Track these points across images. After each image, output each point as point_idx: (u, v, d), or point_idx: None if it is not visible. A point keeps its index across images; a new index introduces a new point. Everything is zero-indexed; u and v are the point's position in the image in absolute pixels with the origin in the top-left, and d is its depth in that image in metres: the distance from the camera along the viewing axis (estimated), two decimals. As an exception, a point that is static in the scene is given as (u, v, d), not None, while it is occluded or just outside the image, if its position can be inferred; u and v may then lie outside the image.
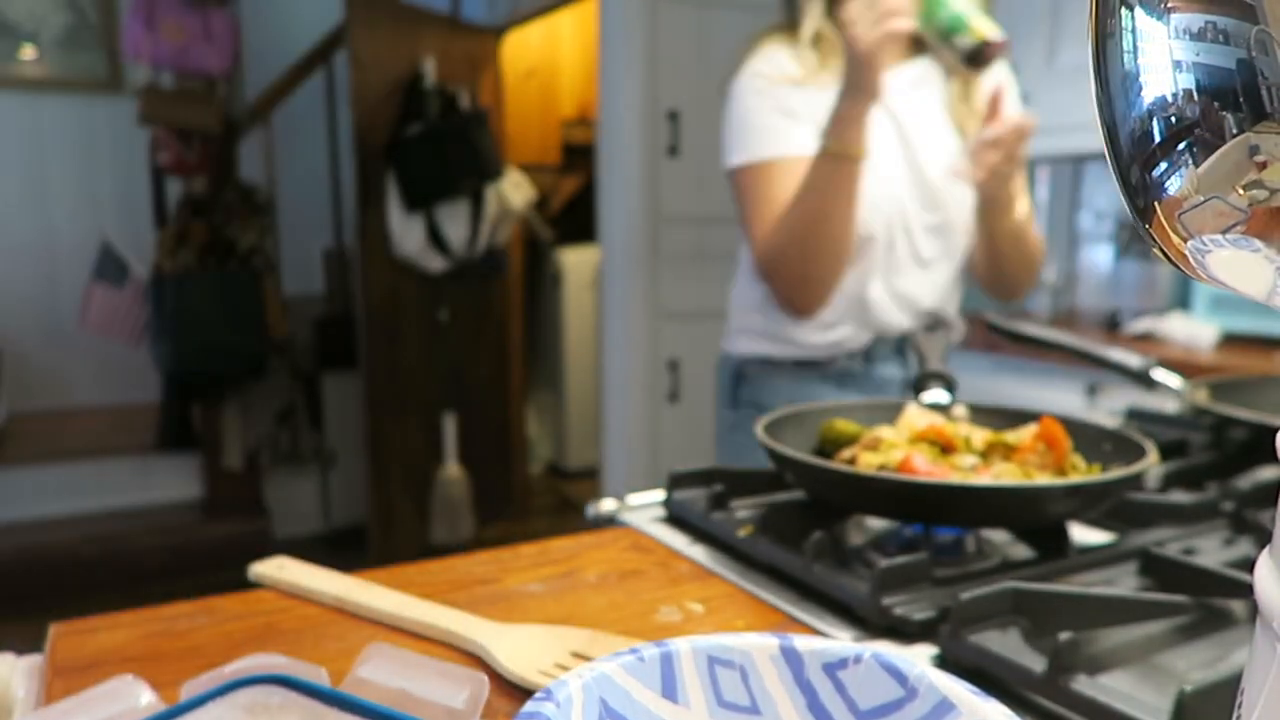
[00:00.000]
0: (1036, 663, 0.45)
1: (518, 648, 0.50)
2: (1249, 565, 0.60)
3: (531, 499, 3.88)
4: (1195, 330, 2.02)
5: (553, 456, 4.23)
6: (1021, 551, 0.65)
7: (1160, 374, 0.96)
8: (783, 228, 1.17)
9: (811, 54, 1.25)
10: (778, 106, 1.23)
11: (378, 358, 3.20)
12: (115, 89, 3.66)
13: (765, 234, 1.20)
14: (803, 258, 1.16)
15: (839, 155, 1.10)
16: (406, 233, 3.07)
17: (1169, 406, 1.04)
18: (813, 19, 1.25)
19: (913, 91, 1.28)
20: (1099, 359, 0.99)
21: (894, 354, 1.31)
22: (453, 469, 3.33)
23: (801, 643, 0.35)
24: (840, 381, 1.29)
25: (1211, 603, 0.56)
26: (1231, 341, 2.01)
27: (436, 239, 3.09)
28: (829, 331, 1.28)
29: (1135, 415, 1.00)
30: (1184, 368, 1.49)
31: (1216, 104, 0.20)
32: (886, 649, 0.35)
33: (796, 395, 1.29)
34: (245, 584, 0.62)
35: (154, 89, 3.09)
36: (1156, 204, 0.22)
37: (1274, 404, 0.94)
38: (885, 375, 1.31)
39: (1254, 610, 0.25)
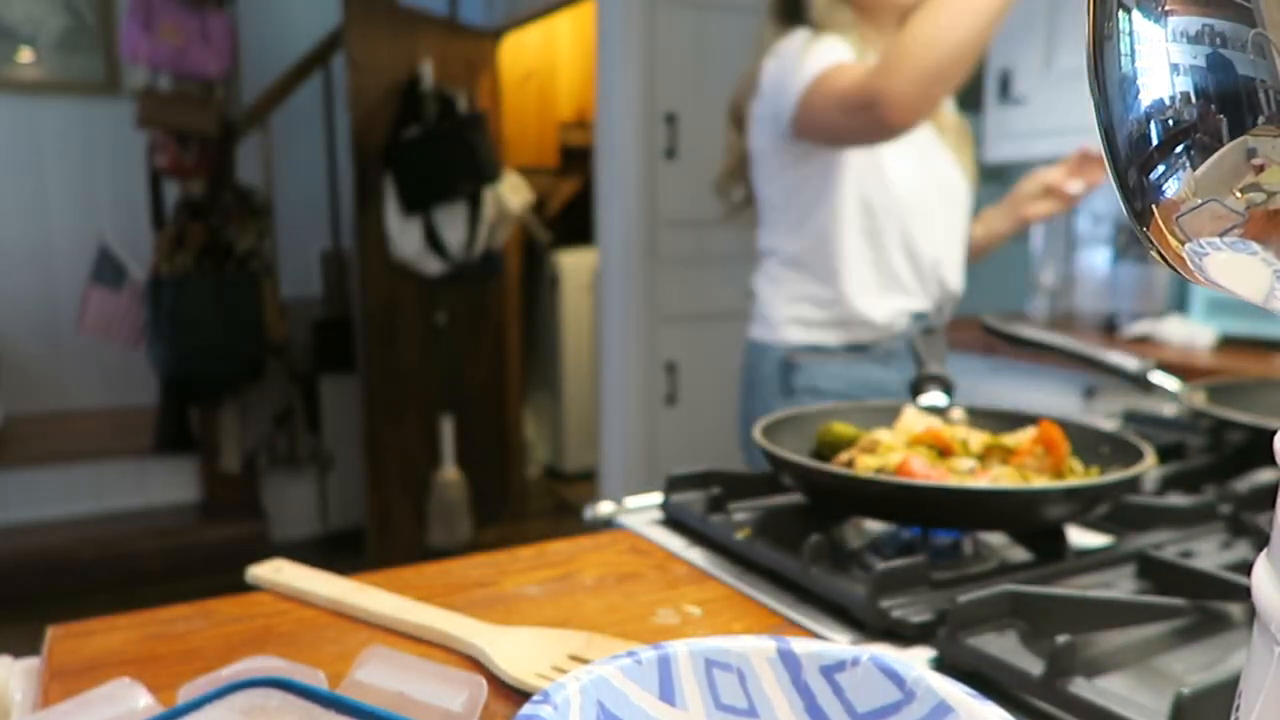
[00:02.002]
0: (1034, 665, 0.45)
1: (515, 650, 0.50)
2: (1246, 568, 0.60)
3: (529, 502, 3.88)
4: (1193, 333, 2.02)
5: (550, 459, 4.23)
6: (1019, 554, 0.65)
7: (1158, 377, 0.96)
8: (906, 36, 1.13)
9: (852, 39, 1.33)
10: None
11: (375, 360, 3.20)
12: (113, 92, 3.66)
13: (865, 72, 1.19)
14: (931, 57, 1.12)
15: None
16: (404, 235, 3.07)
17: (1166, 409, 1.04)
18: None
19: None
20: (1096, 362, 0.99)
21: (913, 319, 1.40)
22: (450, 472, 3.33)
23: (799, 645, 0.35)
24: (885, 361, 1.39)
25: (1209, 605, 0.56)
26: (1229, 344, 2.01)
27: (434, 242, 3.09)
28: (884, 299, 1.38)
29: (1133, 418, 1.00)
30: (1181, 370, 1.49)
31: (1214, 107, 0.20)
32: (884, 652, 0.35)
33: (850, 377, 1.39)
34: (243, 586, 0.62)
35: (151, 91, 3.08)
36: (1154, 207, 0.22)
37: (1272, 407, 0.95)
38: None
39: (1251, 613, 0.25)
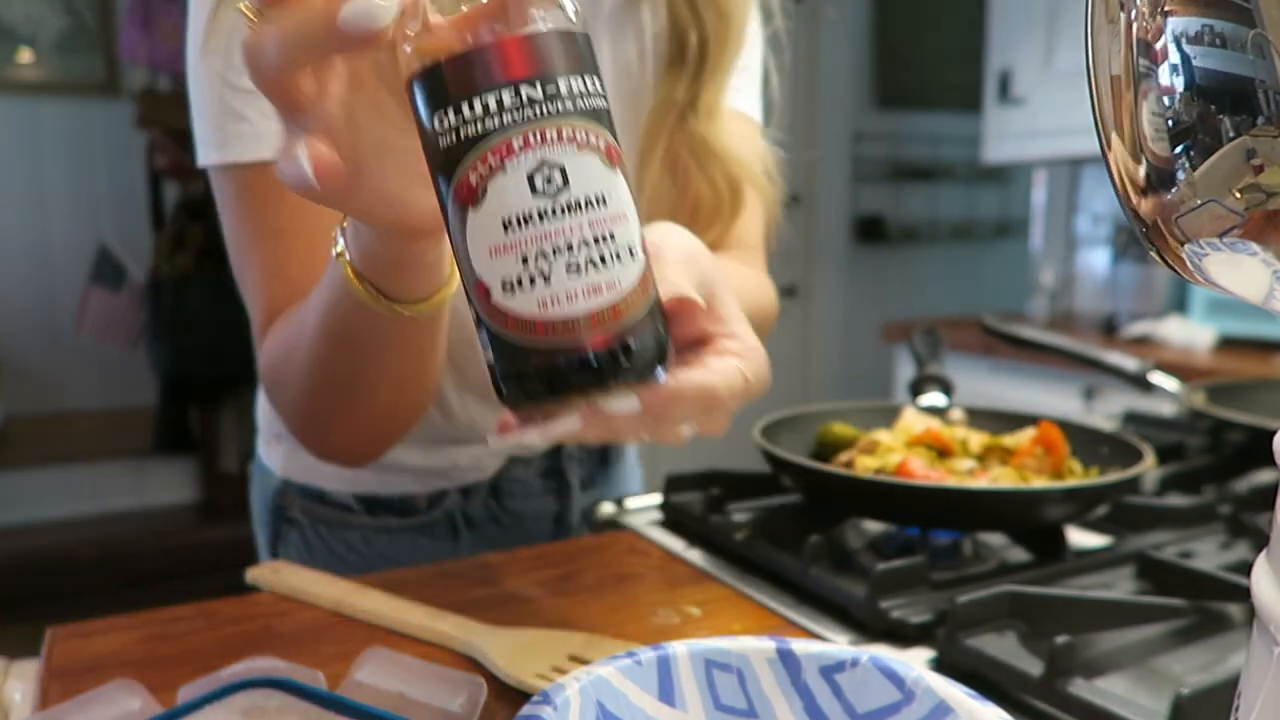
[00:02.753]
0: (1033, 666, 0.45)
1: (515, 651, 0.50)
2: (1246, 569, 0.60)
3: (529, 502, 3.87)
4: (1192, 333, 2.02)
5: (550, 460, 4.22)
6: (1019, 555, 0.65)
7: (1157, 377, 0.96)
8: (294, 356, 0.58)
9: None
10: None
11: (375, 361, 3.20)
12: (113, 92, 3.66)
13: (266, 325, 0.66)
14: (327, 416, 0.61)
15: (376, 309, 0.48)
16: (404, 236, 3.07)
17: (1166, 410, 1.04)
18: None
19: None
20: (1096, 362, 0.99)
21: (542, 478, 0.83)
22: (450, 472, 3.33)
23: (799, 646, 0.35)
24: (450, 535, 0.80)
25: (1208, 606, 0.56)
26: (1229, 345, 2.01)
27: (434, 242, 3.09)
28: (432, 453, 0.78)
29: (1132, 419, 1.00)
30: (1181, 371, 1.49)
31: (1213, 107, 0.20)
32: (884, 652, 0.35)
33: (373, 558, 0.79)
34: (242, 587, 0.61)
35: (151, 92, 3.09)
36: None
37: (1271, 407, 0.95)
38: (532, 510, 0.83)
39: (1251, 614, 0.25)
